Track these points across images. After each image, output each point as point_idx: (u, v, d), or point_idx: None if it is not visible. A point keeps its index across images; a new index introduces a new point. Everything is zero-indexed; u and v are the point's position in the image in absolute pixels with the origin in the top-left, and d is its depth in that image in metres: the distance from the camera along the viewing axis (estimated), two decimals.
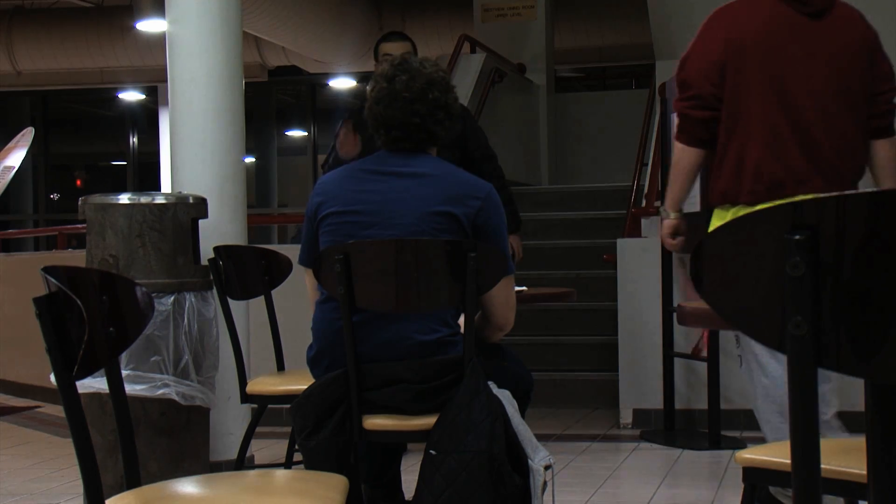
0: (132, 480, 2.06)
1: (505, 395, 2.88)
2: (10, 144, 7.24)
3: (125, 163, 18.37)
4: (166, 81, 4.80)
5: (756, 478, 2.17)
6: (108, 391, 2.07)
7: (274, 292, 4.05)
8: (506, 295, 2.98)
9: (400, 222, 2.90)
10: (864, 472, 1.45)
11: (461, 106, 4.80)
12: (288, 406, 3.08)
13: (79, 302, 1.79)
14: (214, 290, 4.04)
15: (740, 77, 3.64)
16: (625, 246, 6.05)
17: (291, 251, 4.13)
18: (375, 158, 3.04)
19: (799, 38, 3.64)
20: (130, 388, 3.77)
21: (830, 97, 3.66)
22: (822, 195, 1.30)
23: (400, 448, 3.41)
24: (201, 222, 4.21)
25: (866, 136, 3.74)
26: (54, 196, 18.87)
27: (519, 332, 6.48)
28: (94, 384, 3.68)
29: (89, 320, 1.79)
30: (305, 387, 2.99)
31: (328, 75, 15.31)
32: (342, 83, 16.01)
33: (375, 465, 3.32)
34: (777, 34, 3.63)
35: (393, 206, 2.92)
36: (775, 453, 2.14)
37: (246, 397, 3.81)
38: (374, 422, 2.89)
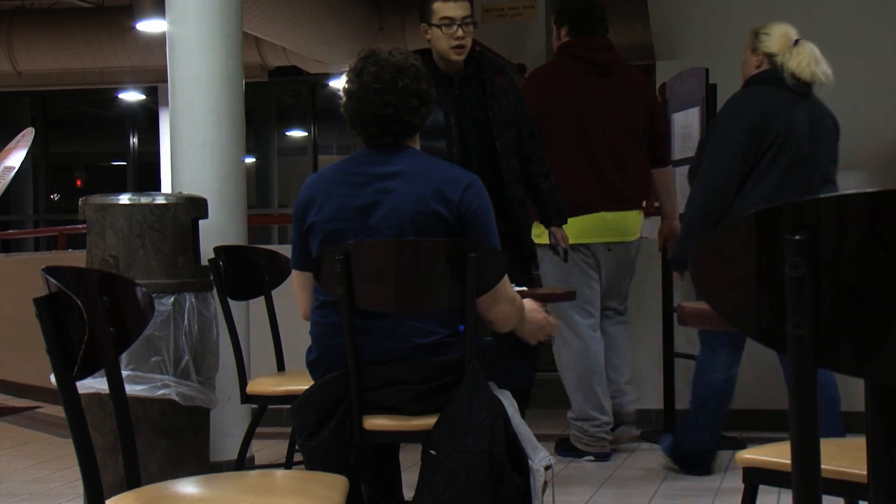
0: (132, 480, 2.06)
1: (505, 395, 2.87)
2: (10, 145, 7.25)
3: (125, 163, 18.35)
4: (166, 81, 4.80)
5: (756, 478, 2.16)
6: (108, 391, 2.07)
7: (274, 292, 4.05)
8: (496, 292, 2.90)
9: (387, 226, 2.88)
10: (864, 472, 1.45)
11: (513, 82, 4.49)
12: (288, 406, 3.07)
13: (79, 302, 1.79)
14: (214, 290, 4.04)
15: (552, 120, 4.81)
16: None
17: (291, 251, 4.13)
18: (358, 158, 2.99)
19: (594, 90, 4.87)
20: (130, 389, 3.77)
21: (620, 133, 4.91)
22: (821, 196, 1.30)
23: (396, 447, 3.41)
24: (201, 222, 4.21)
25: (647, 165, 5.05)
26: (54, 196, 18.86)
27: None
28: (94, 384, 3.68)
29: (89, 320, 1.79)
30: (306, 387, 2.99)
31: (328, 75, 15.29)
32: (342, 83, 15.95)
33: (370, 465, 3.30)
34: (579, 87, 4.86)
35: (378, 209, 2.90)
36: (775, 453, 2.13)
37: (246, 397, 3.81)
38: (375, 422, 2.89)
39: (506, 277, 2.95)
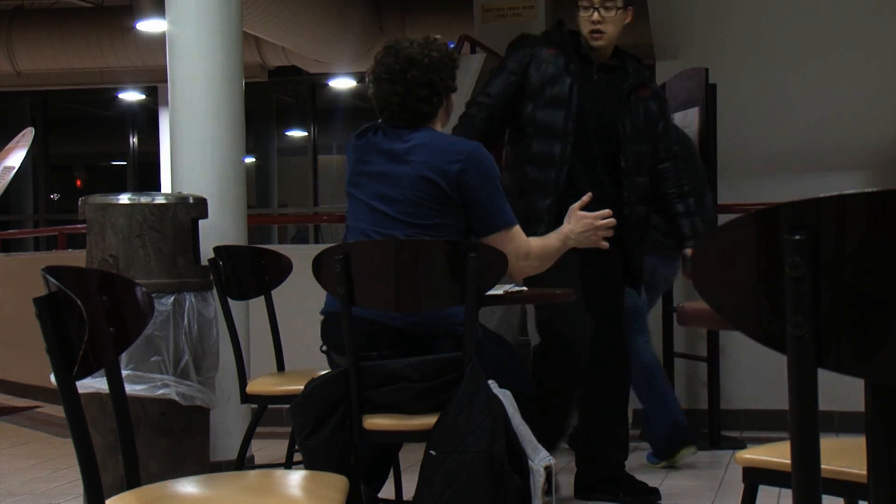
0: (132, 480, 2.06)
1: (505, 395, 2.87)
2: (10, 145, 7.24)
3: (125, 163, 18.36)
4: (166, 81, 4.80)
5: (756, 478, 2.16)
6: (108, 391, 2.07)
7: (274, 292, 4.05)
8: (506, 249, 3.00)
9: (392, 193, 3.04)
10: (864, 472, 1.45)
11: (658, 96, 4.25)
12: (288, 406, 3.08)
13: (79, 302, 1.78)
14: (214, 291, 4.03)
15: None
16: None
17: (291, 251, 4.13)
18: (382, 131, 3.17)
19: None
20: (130, 389, 3.77)
21: None
22: (821, 195, 1.30)
23: (390, 448, 3.41)
24: (201, 222, 4.21)
25: None
26: (54, 196, 18.86)
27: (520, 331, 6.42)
28: (94, 384, 3.67)
29: (89, 320, 1.79)
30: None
31: (328, 75, 15.30)
32: (342, 83, 15.97)
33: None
34: None
35: (388, 179, 3.06)
36: (775, 453, 2.13)
37: (246, 397, 3.81)
38: (375, 422, 2.89)
39: (511, 236, 3.08)
